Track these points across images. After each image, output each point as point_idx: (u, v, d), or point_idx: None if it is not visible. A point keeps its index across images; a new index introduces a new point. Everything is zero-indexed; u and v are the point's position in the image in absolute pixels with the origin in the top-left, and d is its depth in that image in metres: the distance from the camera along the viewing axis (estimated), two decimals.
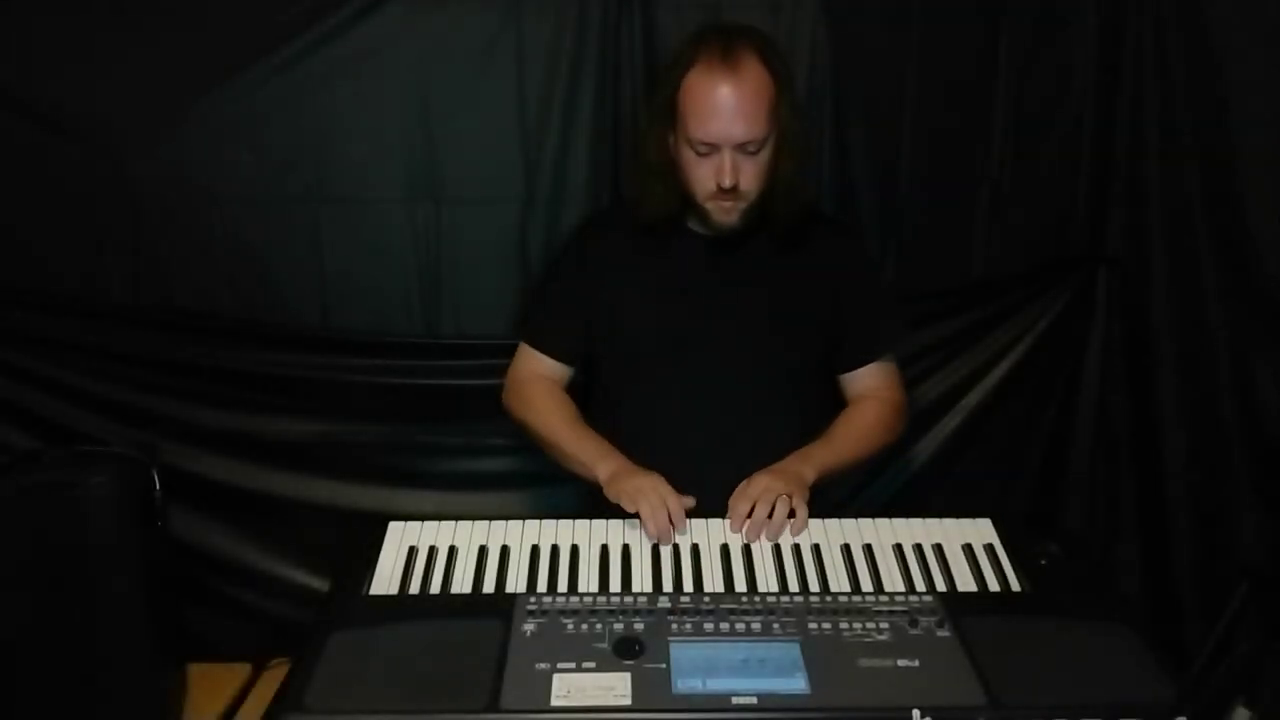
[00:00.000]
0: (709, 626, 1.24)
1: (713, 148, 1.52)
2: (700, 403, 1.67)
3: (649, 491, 1.47)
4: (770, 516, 1.45)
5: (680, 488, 1.53)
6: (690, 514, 1.50)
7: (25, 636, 1.68)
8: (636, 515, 1.46)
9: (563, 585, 1.36)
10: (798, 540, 1.45)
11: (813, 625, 1.25)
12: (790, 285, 1.68)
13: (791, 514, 1.47)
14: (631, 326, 1.69)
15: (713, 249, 1.66)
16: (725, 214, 1.58)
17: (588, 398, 1.77)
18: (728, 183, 1.52)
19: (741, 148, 1.52)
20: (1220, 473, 1.84)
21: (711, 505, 1.52)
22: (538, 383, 1.72)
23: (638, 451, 1.61)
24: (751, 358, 1.67)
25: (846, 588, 1.35)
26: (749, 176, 1.54)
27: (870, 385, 1.72)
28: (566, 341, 1.73)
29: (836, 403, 1.75)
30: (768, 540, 1.45)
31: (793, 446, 1.62)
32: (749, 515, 1.46)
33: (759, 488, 1.48)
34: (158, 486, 1.75)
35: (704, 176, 1.54)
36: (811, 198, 1.71)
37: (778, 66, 1.55)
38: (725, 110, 1.49)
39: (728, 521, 1.48)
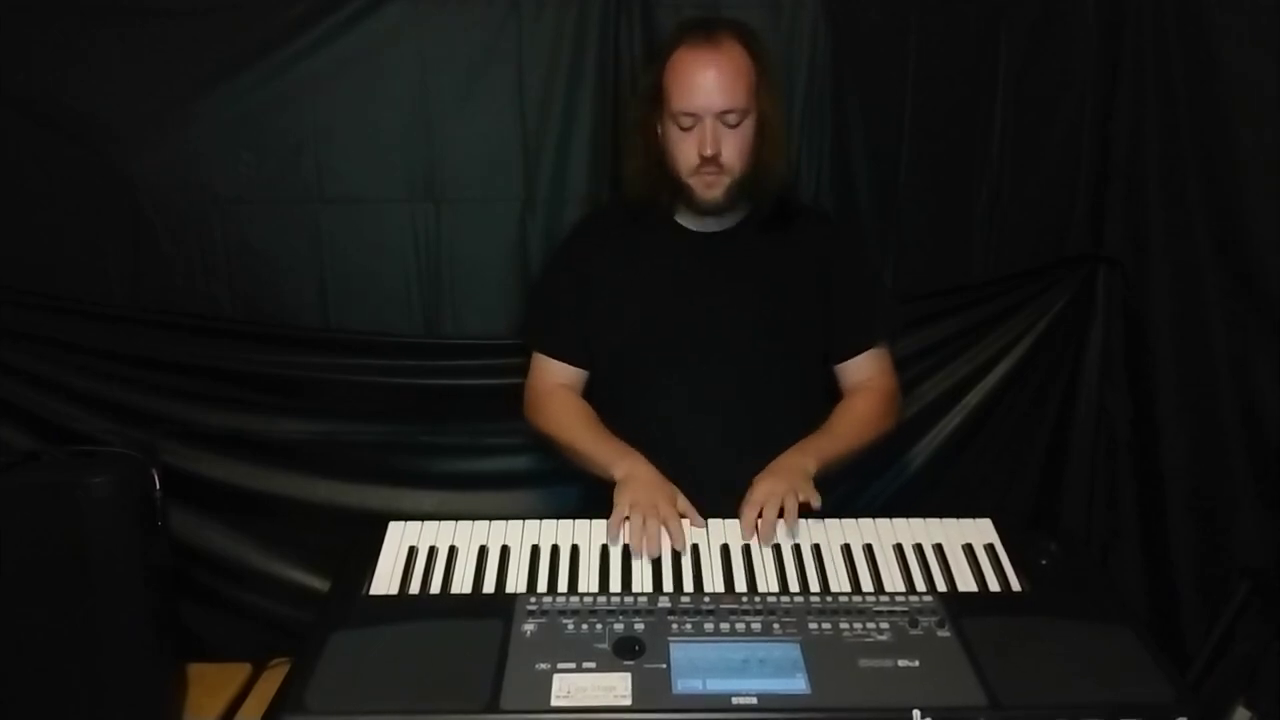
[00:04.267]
0: (709, 626, 1.24)
1: (695, 119, 1.58)
2: (698, 398, 1.68)
3: (647, 508, 1.46)
4: (781, 515, 1.45)
5: (680, 486, 1.54)
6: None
7: (25, 636, 1.68)
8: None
9: (563, 585, 1.36)
10: (798, 540, 1.45)
11: (813, 625, 1.25)
12: (779, 277, 1.70)
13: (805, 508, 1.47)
14: (626, 324, 1.70)
15: (699, 242, 1.69)
16: (709, 188, 1.62)
17: (588, 398, 1.77)
18: (709, 150, 1.57)
19: (722, 117, 1.57)
20: (1220, 473, 1.84)
21: (712, 503, 1.52)
22: (556, 393, 1.73)
23: (638, 449, 1.61)
24: (746, 351, 1.68)
25: (847, 588, 1.35)
26: (730, 148, 1.59)
27: (865, 374, 1.73)
28: (577, 344, 1.74)
29: (835, 394, 1.75)
30: (785, 534, 1.44)
31: (794, 440, 1.62)
32: (759, 519, 1.46)
33: (762, 493, 1.48)
34: (158, 486, 1.75)
35: (688, 150, 1.60)
36: (789, 187, 1.76)
37: (759, 52, 1.62)
38: (706, 80, 1.57)
39: (730, 523, 1.49)
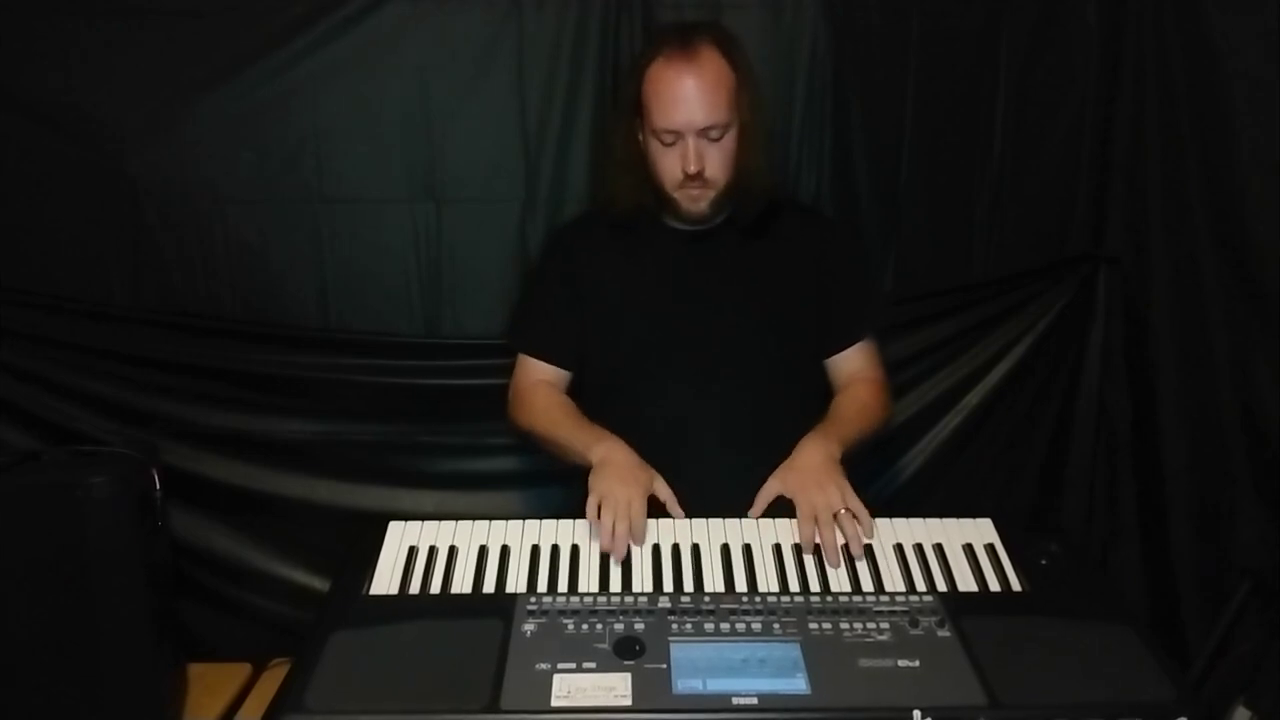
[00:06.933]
0: (709, 626, 1.24)
1: (677, 136, 1.57)
2: (691, 396, 1.68)
3: (619, 504, 1.45)
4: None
5: (677, 484, 1.54)
6: (690, 514, 1.51)
7: (25, 636, 1.68)
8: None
9: (563, 585, 1.36)
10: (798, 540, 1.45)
11: (813, 625, 1.25)
12: (770, 275, 1.70)
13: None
14: (617, 324, 1.70)
15: (690, 243, 1.69)
16: (694, 202, 1.62)
17: (580, 398, 1.77)
18: (692, 168, 1.57)
19: (704, 134, 1.56)
20: (1220, 473, 1.84)
21: (709, 499, 1.52)
22: (537, 389, 1.74)
23: (637, 450, 1.60)
24: (746, 350, 1.68)
25: (847, 588, 1.35)
26: (714, 163, 1.59)
27: (856, 366, 1.74)
28: (562, 346, 1.74)
29: (829, 390, 1.75)
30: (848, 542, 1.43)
31: (789, 435, 1.61)
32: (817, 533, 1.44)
33: (819, 505, 1.45)
34: (158, 486, 1.75)
35: (671, 166, 1.59)
36: (778, 188, 1.74)
37: (737, 58, 1.60)
38: (686, 97, 1.55)
39: (730, 522, 1.49)
